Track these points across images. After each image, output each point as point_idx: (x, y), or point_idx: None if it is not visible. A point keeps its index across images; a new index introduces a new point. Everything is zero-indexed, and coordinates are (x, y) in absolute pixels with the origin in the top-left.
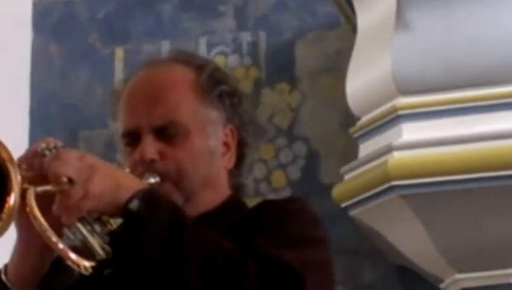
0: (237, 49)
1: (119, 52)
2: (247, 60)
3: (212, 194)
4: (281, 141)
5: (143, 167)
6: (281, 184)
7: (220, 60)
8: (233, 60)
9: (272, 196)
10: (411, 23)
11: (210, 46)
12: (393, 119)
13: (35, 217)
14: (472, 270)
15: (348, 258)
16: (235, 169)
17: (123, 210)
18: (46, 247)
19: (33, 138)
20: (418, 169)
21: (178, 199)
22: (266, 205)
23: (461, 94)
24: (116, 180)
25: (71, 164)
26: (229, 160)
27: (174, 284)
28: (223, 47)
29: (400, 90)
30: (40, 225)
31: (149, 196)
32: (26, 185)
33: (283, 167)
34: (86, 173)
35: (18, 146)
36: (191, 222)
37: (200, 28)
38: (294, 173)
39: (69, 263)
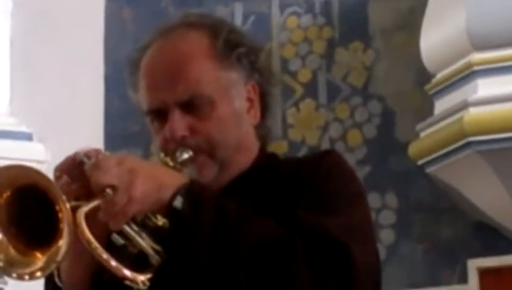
0: (310, 9)
1: None
2: (320, 20)
3: (244, 155)
4: (356, 100)
5: (175, 144)
6: (357, 143)
7: (293, 21)
8: (306, 20)
9: (348, 155)
10: None
11: (283, 6)
12: (468, 75)
13: (87, 240)
14: None
15: (425, 215)
16: (260, 121)
17: (168, 209)
18: None
19: (109, 102)
20: (495, 124)
21: (213, 168)
22: (301, 165)
23: None
24: (157, 180)
25: (111, 171)
26: (255, 115)
27: (225, 275)
28: (295, 7)
29: (474, 45)
30: (90, 243)
31: (191, 191)
32: (74, 203)
33: (359, 125)
34: (127, 178)
35: (94, 110)
36: (235, 208)
37: None
38: (370, 131)
39: (126, 281)
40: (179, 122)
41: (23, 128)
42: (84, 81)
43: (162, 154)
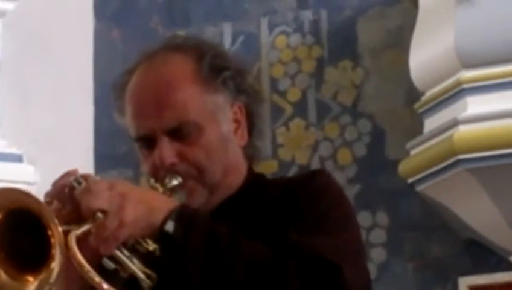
0: (299, 28)
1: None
2: (309, 39)
3: (233, 177)
4: (346, 119)
5: (164, 171)
6: (347, 162)
7: (282, 40)
8: (295, 39)
9: (338, 174)
10: None
11: (272, 26)
12: (457, 93)
13: (79, 263)
14: None
15: (416, 233)
16: (248, 141)
17: (159, 233)
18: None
19: (98, 122)
20: (484, 142)
21: (202, 193)
22: (290, 186)
23: None
24: (147, 204)
25: (102, 195)
26: (242, 136)
27: None
28: (284, 27)
29: (463, 63)
30: (82, 266)
31: (182, 215)
32: (65, 227)
33: (348, 144)
34: (118, 202)
35: (84, 131)
36: (227, 232)
37: (261, 8)
38: (360, 150)
39: None
40: (167, 150)
41: (13, 150)
42: (73, 102)
43: (152, 180)
